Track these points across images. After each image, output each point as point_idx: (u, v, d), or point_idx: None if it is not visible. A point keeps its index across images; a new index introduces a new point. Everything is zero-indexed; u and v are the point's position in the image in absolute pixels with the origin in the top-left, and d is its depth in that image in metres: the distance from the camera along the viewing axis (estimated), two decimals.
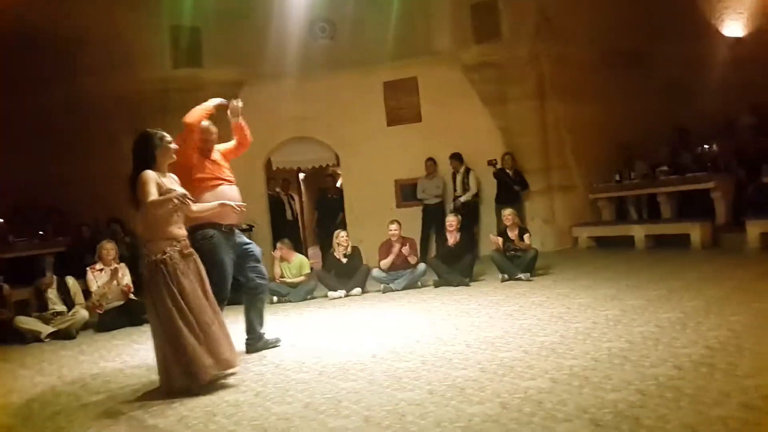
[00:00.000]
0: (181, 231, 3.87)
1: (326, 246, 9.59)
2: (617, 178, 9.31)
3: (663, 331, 4.06)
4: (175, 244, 3.77)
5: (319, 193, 12.02)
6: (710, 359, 3.35)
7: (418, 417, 2.93)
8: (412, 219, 9.17)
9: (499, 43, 9.36)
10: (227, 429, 3.03)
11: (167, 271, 3.69)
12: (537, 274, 6.98)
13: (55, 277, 6.40)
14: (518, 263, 6.93)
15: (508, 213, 7.25)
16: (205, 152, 4.45)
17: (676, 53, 9.14)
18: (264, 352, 4.57)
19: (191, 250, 3.89)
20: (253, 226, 9.68)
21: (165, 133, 3.90)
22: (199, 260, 3.91)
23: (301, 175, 13.94)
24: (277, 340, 4.74)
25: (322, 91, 9.74)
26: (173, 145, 3.89)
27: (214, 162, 4.46)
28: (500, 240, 7.08)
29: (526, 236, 7.15)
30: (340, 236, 7.44)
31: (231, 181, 4.47)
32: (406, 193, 9.95)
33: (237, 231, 4.54)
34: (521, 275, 6.76)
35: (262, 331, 4.68)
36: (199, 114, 4.34)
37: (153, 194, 3.63)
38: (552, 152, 9.57)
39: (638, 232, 8.70)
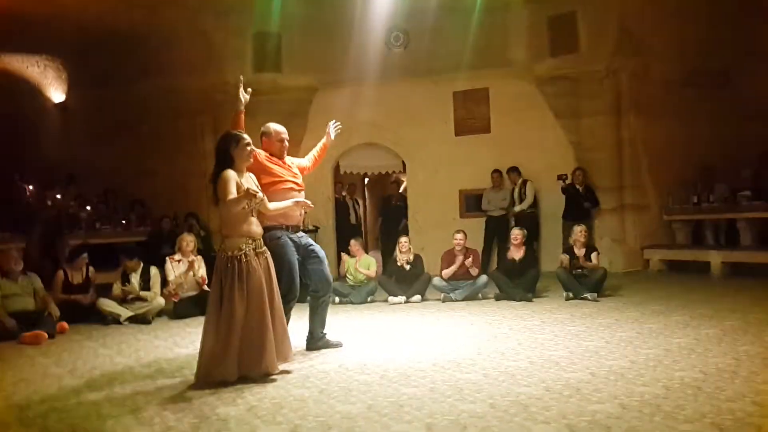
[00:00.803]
0: (257, 229, 4.01)
1: (388, 251, 9.69)
2: (695, 200, 8.91)
3: (740, 364, 3.86)
4: (250, 242, 3.92)
5: (383, 199, 12.15)
6: None
7: (480, 430, 2.91)
8: (475, 230, 9.10)
9: (576, 56, 9.19)
10: (294, 423, 3.12)
11: (239, 267, 3.84)
12: (604, 294, 6.78)
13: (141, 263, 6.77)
14: (585, 282, 6.74)
15: (579, 230, 7.07)
16: (280, 156, 4.60)
17: (764, 74, 8.68)
18: (327, 351, 4.66)
19: (265, 248, 4.03)
20: (318, 228, 9.89)
21: (245, 136, 4.06)
22: (270, 259, 4.05)
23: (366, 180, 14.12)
24: (339, 344, 4.80)
25: (393, 98, 9.85)
26: (251, 148, 4.04)
27: (287, 167, 4.61)
28: (566, 258, 6.92)
29: (594, 255, 6.95)
30: (402, 243, 7.49)
31: (301, 188, 4.61)
32: (470, 203, 9.91)
33: (302, 233, 4.65)
34: (588, 295, 6.58)
35: (323, 332, 4.76)
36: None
37: (232, 193, 3.79)
38: (626, 170, 9.27)
39: (715, 258, 8.28)
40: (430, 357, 4.34)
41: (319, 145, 5.03)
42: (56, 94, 11.49)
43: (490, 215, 9.43)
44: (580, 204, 8.87)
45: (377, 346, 4.82)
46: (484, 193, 9.54)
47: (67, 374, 4.34)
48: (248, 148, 4.01)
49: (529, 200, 9.15)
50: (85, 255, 6.80)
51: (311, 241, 4.70)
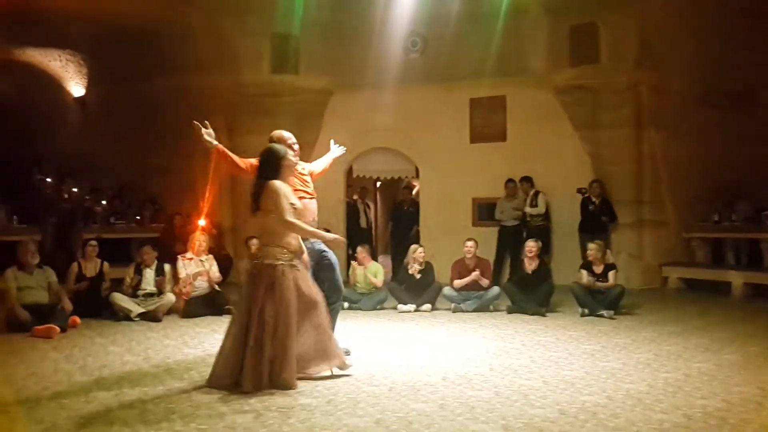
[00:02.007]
0: (296, 242, 4.01)
1: (398, 257, 9.57)
2: (716, 218, 8.72)
3: (766, 394, 3.71)
4: (286, 254, 3.92)
5: (394, 204, 12.05)
6: None
7: None
8: (487, 239, 8.97)
9: (596, 66, 9.06)
10: None
11: (273, 276, 3.83)
12: (621, 312, 6.61)
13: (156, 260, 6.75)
14: (601, 299, 6.59)
15: (592, 247, 6.89)
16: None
17: None
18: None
19: (297, 262, 4.00)
20: (329, 231, 9.80)
21: (290, 151, 4.15)
22: (301, 272, 4.01)
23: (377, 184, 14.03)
24: (346, 351, 4.70)
25: (408, 103, 9.77)
26: (296, 161, 4.17)
27: (299, 175, 4.54)
28: (585, 274, 6.76)
29: (611, 273, 6.78)
30: (418, 252, 7.38)
31: (312, 195, 4.58)
32: (483, 212, 9.78)
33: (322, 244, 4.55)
34: (604, 312, 6.42)
35: None
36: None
37: (287, 210, 3.85)
38: (645, 184, 9.10)
39: (736, 278, 8.10)
40: (440, 370, 4.25)
41: (326, 160, 5.00)
42: (76, 88, 11.56)
43: (504, 225, 9.30)
44: (596, 217, 8.71)
45: (386, 356, 4.74)
46: (498, 202, 9.41)
47: (78, 371, 4.31)
48: (294, 160, 4.10)
49: (540, 209, 9.00)
50: (94, 243, 6.80)
51: (324, 247, 4.61)
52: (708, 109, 8.92)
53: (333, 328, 4.66)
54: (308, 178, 4.66)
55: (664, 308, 7.13)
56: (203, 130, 4.36)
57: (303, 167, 4.67)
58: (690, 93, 8.98)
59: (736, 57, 8.70)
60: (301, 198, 4.42)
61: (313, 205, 4.54)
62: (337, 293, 4.62)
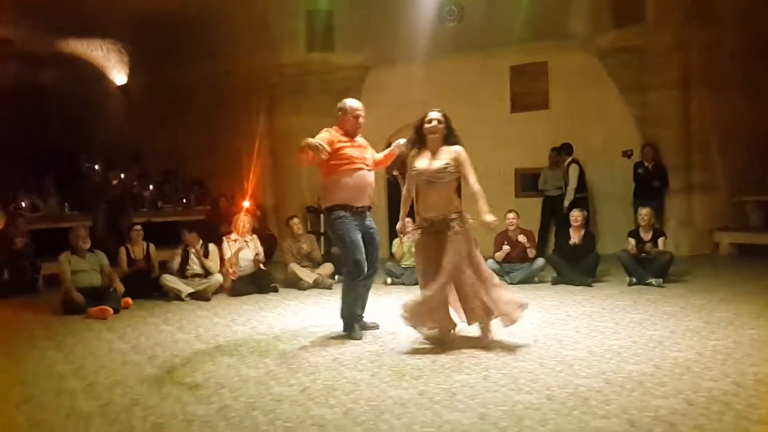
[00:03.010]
0: (425, 208, 4.24)
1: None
2: None
3: None
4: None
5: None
6: None
7: (536, 422, 2.83)
8: (532, 210, 8.84)
9: (642, 26, 8.67)
10: (346, 406, 3.12)
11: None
12: (670, 280, 6.44)
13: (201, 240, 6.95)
14: (649, 267, 6.43)
15: (645, 212, 6.73)
16: (353, 134, 4.57)
17: None
18: (378, 333, 4.64)
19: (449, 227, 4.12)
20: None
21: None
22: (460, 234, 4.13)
23: None
24: (376, 325, 4.75)
25: (447, 74, 9.62)
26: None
27: (359, 147, 4.56)
28: (632, 241, 6.62)
29: (660, 240, 6.60)
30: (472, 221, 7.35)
31: (371, 168, 4.58)
32: (527, 183, 9.59)
33: (368, 214, 4.61)
34: (652, 280, 6.28)
35: (361, 315, 4.70)
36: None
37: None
38: (694, 148, 8.73)
39: None
40: (481, 343, 4.25)
41: (386, 152, 4.88)
42: (118, 76, 11.88)
43: (547, 195, 9.12)
44: (649, 183, 8.44)
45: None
46: (542, 171, 9.23)
47: (131, 350, 4.51)
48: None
49: (572, 186, 8.69)
50: (139, 227, 7.04)
51: (373, 225, 4.65)
52: (763, 65, 8.45)
53: (364, 304, 4.71)
54: (367, 152, 4.61)
55: (715, 275, 6.92)
56: (323, 152, 4.30)
57: (365, 143, 4.66)
58: (743, 49, 8.50)
59: None
60: (358, 169, 4.45)
61: (370, 177, 4.55)
62: (373, 270, 4.65)
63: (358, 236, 4.45)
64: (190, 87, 10.12)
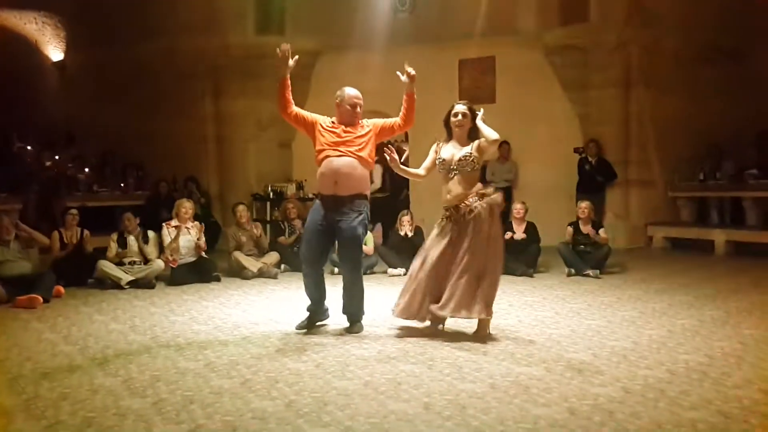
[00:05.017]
0: (446, 197, 4.20)
1: (388, 222, 9.56)
2: (701, 177, 8.77)
3: (746, 348, 3.80)
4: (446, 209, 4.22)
5: (384, 169, 11.95)
6: None
7: (479, 411, 2.85)
8: None
9: (586, 25, 8.94)
10: (289, 398, 3.06)
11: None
12: (607, 272, 6.70)
13: (139, 227, 6.68)
14: (588, 258, 6.66)
15: (584, 206, 6.95)
16: (350, 123, 4.33)
17: None
18: (326, 322, 4.56)
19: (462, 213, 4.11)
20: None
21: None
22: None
23: None
24: (328, 315, 4.60)
25: (397, 65, 9.35)
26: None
27: (342, 132, 4.28)
28: (571, 231, 6.83)
29: (601, 231, 6.84)
30: (404, 219, 7.38)
31: (342, 153, 4.21)
32: None
33: (349, 204, 4.25)
34: (590, 272, 6.50)
35: (313, 306, 4.49)
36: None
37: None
38: (632, 144, 9.11)
39: (719, 236, 8.20)
40: (427, 332, 4.27)
41: (404, 97, 4.49)
42: (54, 52, 11.23)
43: (495, 187, 9.26)
44: (592, 177, 8.73)
45: (375, 320, 4.74)
46: (489, 164, 9.36)
47: (62, 340, 4.28)
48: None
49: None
50: (75, 211, 6.71)
51: (350, 217, 4.24)
52: (698, 66, 8.86)
53: (319, 294, 4.57)
54: (362, 137, 4.27)
55: (649, 267, 7.22)
56: (290, 58, 4.25)
57: (367, 125, 4.38)
58: (682, 51, 8.90)
59: (728, 13, 8.60)
60: (325, 157, 4.24)
61: (336, 162, 4.21)
62: (345, 266, 4.52)
63: (314, 227, 4.30)
64: (132, 66, 9.68)
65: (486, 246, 4.10)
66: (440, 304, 4.11)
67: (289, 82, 4.41)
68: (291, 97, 4.45)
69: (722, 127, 8.81)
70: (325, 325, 4.52)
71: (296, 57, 4.34)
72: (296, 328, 4.39)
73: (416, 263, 4.32)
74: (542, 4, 9.21)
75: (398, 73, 4.33)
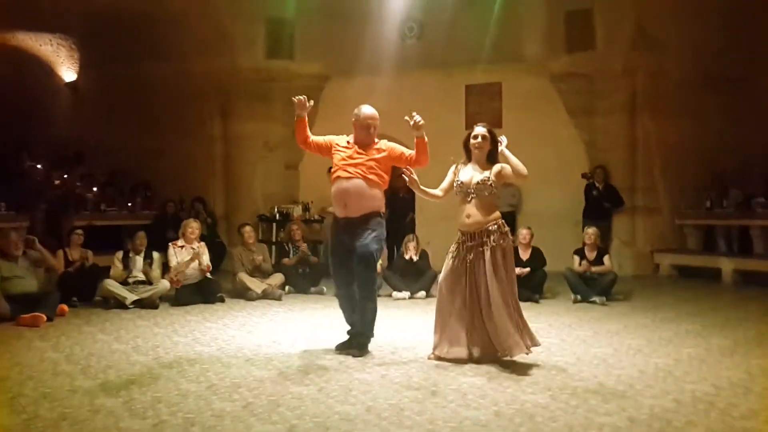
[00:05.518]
0: (463, 220, 4.19)
1: (393, 244, 9.55)
2: (708, 204, 8.74)
3: (753, 379, 3.74)
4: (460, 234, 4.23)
5: (390, 191, 11.99)
6: None
7: None
8: None
9: (591, 53, 9.02)
10: (290, 422, 3.03)
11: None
12: (613, 299, 6.65)
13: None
14: (594, 285, 6.61)
15: (591, 232, 6.91)
16: (365, 143, 4.35)
17: None
18: (327, 346, 4.53)
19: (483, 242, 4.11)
20: (324, 219, 9.78)
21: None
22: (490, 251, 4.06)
23: None
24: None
25: (404, 90, 9.69)
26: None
27: (354, 154, 4.30)
28: (578, 259, 6.78)
29: (606, 258, 6.80)
30: (410, 244, 7.38)
31: (351, 175, 4.24)
32: None
33: (364, 225, 4.27)
34: (596, 298, 6.45)
35: (351, 328, 4.54)
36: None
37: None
38: (639, 171, 9.11)
39: (726, 265, 8.13)
40: (432, 358, 4.23)
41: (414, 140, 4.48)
42: (67, 73, 11.42)
43: (499, 211, 9.27)
44: (600, 203, 8.72)
45: (379, 343, 4.70)
46: None
47: (64, 360, 4.27)
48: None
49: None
50: (80, 231, 6.74)
51: (365, 240, 4.25)
52: (703, 93, 8.89)
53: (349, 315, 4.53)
54: (369, 159, 4.26)
55: (655, 295, 7.16)
56: (305, 98, 4.35)
57: (385, 147, 4.36)
58: (687, 78, 8.94)
59: (732, 41, 8.66)
60: (336, 178, 4.28)
61: (343, 184, 4.24)
62: (361, 290, 4.42)
63: (334, 249, 4.37)
64: (143, 87, 9.82)
65: (505, 279, 4.09)
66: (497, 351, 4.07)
67: (306, 122, 4.45)
68: (309, 132, 4.50)
69: (728, 153, 8.81)
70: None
71: (311, 102, 4.42)
72: (335, 349, 4.40)
73: (443, 298, 4.25)
74: (548, 31, 9.31)
75: (406, 118, 4.27)
